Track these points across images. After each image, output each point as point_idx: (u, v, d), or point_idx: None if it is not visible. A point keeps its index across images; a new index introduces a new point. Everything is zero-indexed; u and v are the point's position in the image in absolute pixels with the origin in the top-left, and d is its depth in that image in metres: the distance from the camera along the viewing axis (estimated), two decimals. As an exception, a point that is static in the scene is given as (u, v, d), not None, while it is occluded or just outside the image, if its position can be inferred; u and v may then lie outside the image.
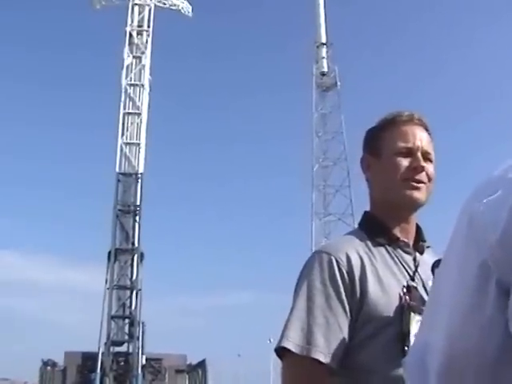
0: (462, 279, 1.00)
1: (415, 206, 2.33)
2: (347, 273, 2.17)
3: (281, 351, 2.16)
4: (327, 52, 50.26)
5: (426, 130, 2.40)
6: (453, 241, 1.06)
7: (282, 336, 2.15)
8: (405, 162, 2.31)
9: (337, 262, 2.18)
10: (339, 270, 2.17)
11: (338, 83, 49.01)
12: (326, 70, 49.83)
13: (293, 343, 2.12)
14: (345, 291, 2.16)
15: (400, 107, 2.45)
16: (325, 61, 49.98)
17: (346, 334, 2.15)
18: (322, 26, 50.84)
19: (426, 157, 2.34)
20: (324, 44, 50.38)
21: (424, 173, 2.31)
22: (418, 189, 2.29)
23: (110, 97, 48.48)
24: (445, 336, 1.01)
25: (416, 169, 2.30)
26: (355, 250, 2.24)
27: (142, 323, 42.77)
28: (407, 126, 2.37)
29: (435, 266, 2.18)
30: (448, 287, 1.04)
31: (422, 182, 2.30)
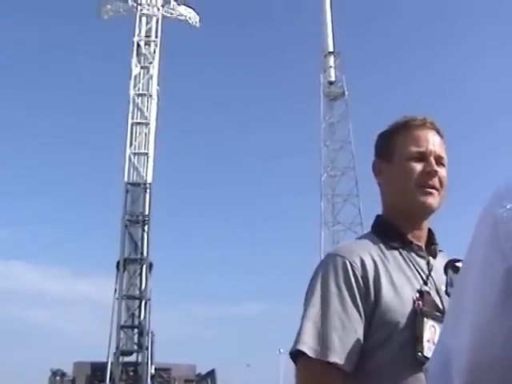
0: (486, 285, 0.99)
1: (428, 211, 2.32)
2: (361, 276, 2.16)
3: (295, 355, 2.13)
4: (335, 61, 50.22)
5: (438, 133, 2.40)
6: (474, 245, 1.05)
7: (297, 339, 2.13)
8: (418, 167, 2.30)
9: (351, 265, 2.17)
10: (353, 273, 2.16)
11: (346, 92, 48.99)
12: (333, 79, 49.76)
13: (308, 346, 2.10)
14: (359, 295, 2.15)
15: (408, 113, 2.45)
16: (332, 70, 49.92)
17: (361, 337, 2.13)
18: (329, 35, 50.82)
19: (439, 161, 2.33)
20: (331, 53, 50.34)
21: (437, 178, 2.30)
22: (431, 194, 2.29)
23: (118, 107, 48.62)
24: (469, 341, 1.00)
25: (429, 173, 2.29)
26: (369, 254, 2.23)
27: (151, 333, 42.74)
28: (420, 130, 2.36)
29: (448, 266, 2.19)
30: (471, 292, 1.03)
31: (435, 187, 2.30)
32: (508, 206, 0.97)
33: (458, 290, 1.14)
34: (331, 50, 50.47)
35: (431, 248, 2.35)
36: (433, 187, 2.29)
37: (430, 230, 2.39)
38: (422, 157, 2.31)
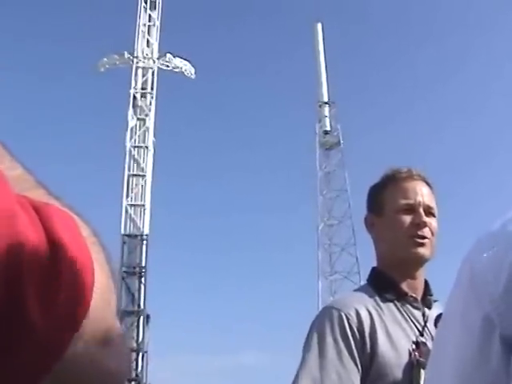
0: (464, 334, 0.99)
1: (421, 262, 2.35)
2: (357, 328, 2.18)
3: None
4: (330, 111, 50.43)
5: (427, 183, 2.43)
6: (454, 294, 1.06)
7: None
8: (407, 219, 2.33)
9: (346, 317, 2.19)
10: (349, 325, 2.18)
11: (341, 141, 49.11)
12: (328, 128, 49.84)
13: None
14: (356, 347, 2.16)
15: (404, 163, 2.49)
16: (327, 119, 50.08)
17: None
18: (323, 85, 51.14)
19: (429, 211, 2.36)
20: (326, 103, 50.57)
21: (427, 228, 2.33)
22: (422, 245, 2.31)
23: (115, 158, 48.75)
24: None
25: (419, 225, 2.32)
26: (364, 306, 2.24)
27: (149, 386, 42.28)
28: (407, 182, 2.39)
29: (438, 318, 2.20)
30: (451, 342, 1.03)
31: (426, 238, 2.32)
32: (485, 255, 0.99)
33: (437, 341, 1.15)
34: (326, 99, 50.73)
35: (427, 299, 2.37)
36: (423, 237, 2.32)
37: (425, 281, 2.41)
38: (411, 208, 2.35)
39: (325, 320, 2.22)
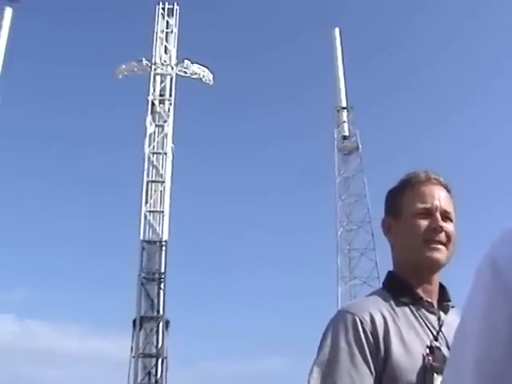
0: (489, 332, 0.96)
1: (436, 266, 2.33)
2: (371, 333, 2.17)
3: None
4: (348, 116, 50.34)
5: (446, 188, 2.42)
6: (473, 294, 1.03)
7: None
8: (424, 223, 2.32)
9: (361, 322, 2.18)
10: (363, 330, 2.17)
11: (360, 146, 48.97)
12: (347, 133, 49.70)
13: None
14: (369, 351, 2.15)
15: (423, 167, 2.48)
16: (346, 125, 49.95)
17: None
18: (342, 90, 51.06)
19: (446, 216, 2.35)
20: (344, 108, 50.49)
21: (443, 233, 2.32)
22: (437, 249, 2.30)
23: (134, 165, 48.84)
24: None
25: (435, 229, 2.31)
26: (378, 310, 2.24)
27: (169, 391, 42.26)
28: (425, 186, 2.39)
29: None
30: (472, 342, 0.99)
31: (442, 243, 2.31)
32: (507, 248, 0.97)
33: (456, 344, 1.10)
34: (344, 105, 50.63)
35: (443, 304, 2.36)
36: (439, 242, 2.31)
37: (442, 286, 2.40)
38: (428, 213, 2.34)
39: (339, 324, 2.21)
